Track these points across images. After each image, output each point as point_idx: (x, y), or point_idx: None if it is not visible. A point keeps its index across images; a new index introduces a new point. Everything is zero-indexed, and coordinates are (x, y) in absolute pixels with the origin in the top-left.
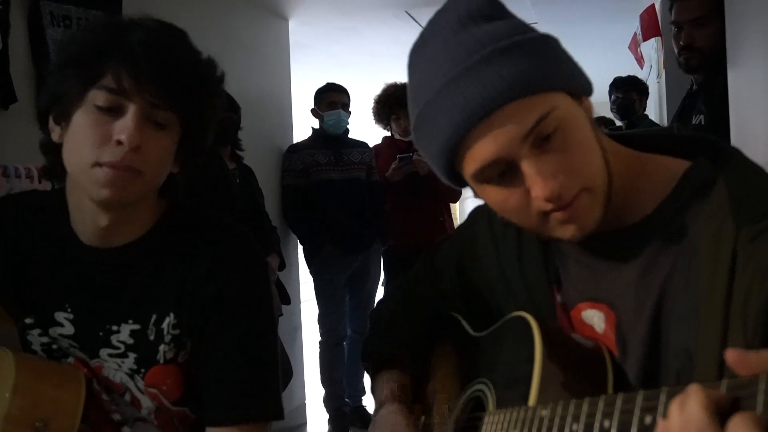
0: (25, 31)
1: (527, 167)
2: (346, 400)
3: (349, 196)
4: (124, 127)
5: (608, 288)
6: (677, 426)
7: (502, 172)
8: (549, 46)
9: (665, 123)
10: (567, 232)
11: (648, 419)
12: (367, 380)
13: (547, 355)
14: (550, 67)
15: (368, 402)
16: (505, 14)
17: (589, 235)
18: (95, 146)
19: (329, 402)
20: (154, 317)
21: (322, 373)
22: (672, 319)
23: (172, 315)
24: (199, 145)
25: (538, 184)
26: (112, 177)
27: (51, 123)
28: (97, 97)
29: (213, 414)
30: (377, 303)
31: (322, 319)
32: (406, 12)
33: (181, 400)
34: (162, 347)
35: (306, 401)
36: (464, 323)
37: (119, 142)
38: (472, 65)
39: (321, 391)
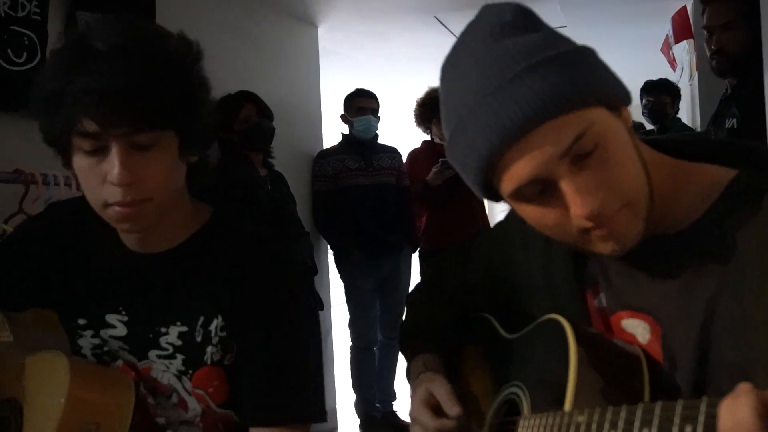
0: (62, 42)
1: (566, 186)
2: (377, 405)
3: (379, 201)
4: (111, 168)
5: (651, 299)
6: (728, 428)
7: (540, 190)
8: (584, 58)
9: (698, 125)
10: (607, 248)
11: (688, 429)
12: (398, 385)
13: (581, 359)
14: (586, 82)
15: (399, 407)
16: (538, 25)
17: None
18: (98, 189)
19: (360, 407)
20: (201, 319)
21: (353, 378)
22: (722, 333)
23: (219, 317)
24: (199, 137)
25: (577, 203)
26: (123, 214)
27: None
28: (80, 142)
29: (256, 414)
30: (411, 291)
31: (352, 324)
32: (435, 17)
33: (227, 402)
34: (209, 349)
35: (337, 406)
36: (496, 324)
37: (113, 183)
38: (505, 82)
39: (352, 396)
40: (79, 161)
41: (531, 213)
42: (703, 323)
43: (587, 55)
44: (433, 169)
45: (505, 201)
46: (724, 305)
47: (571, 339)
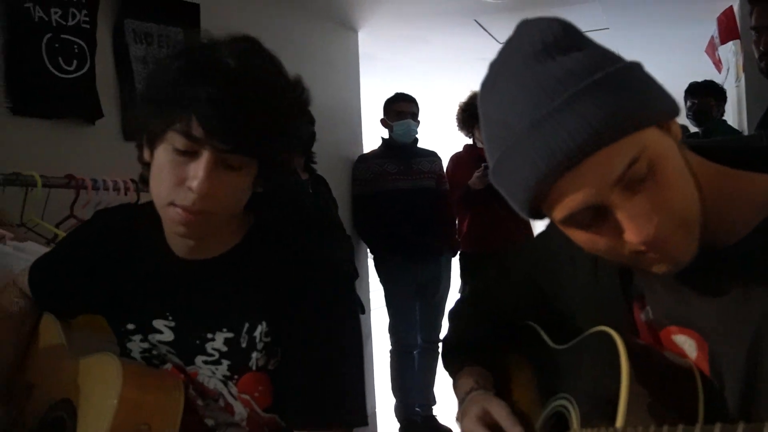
0: (110, 49)
1: (620, 213)
2: (417, 409)
3: (418, 205)
4: (195, 174)
5: (699, 315)
6: None
7: (592, 216)
8: (633, 76)
9: (745, 129)
10: (661, 268)
11: None
12: (437, 390)
13: (633, 374)
14: (637, 104)
15: (439, 412)
16: (582, 42)
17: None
18: (171, 187)
19: (400, 411)
20: (246, 325)
21: (393, 382)
22: None
23: (264, 323)
24: (278, 173)
25: (631, 230)
26: (184, 219)
27: (144, 141)
28: (175, 139)
29: (300, 418)
30: (456, 301)
31: (392, 328)
32: (475, 20)
33: (272, 407)
34: (254, 354)
35: (376, 410)
36: (543, 334)
37: (191, 189)
38: (553, 109)
39: (392, 400)
40: (164, 155)
41: (582, 237)
42: (753, 342)
43: (635, 71)
44: (476, 173)
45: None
46: None
47: (623, 352)
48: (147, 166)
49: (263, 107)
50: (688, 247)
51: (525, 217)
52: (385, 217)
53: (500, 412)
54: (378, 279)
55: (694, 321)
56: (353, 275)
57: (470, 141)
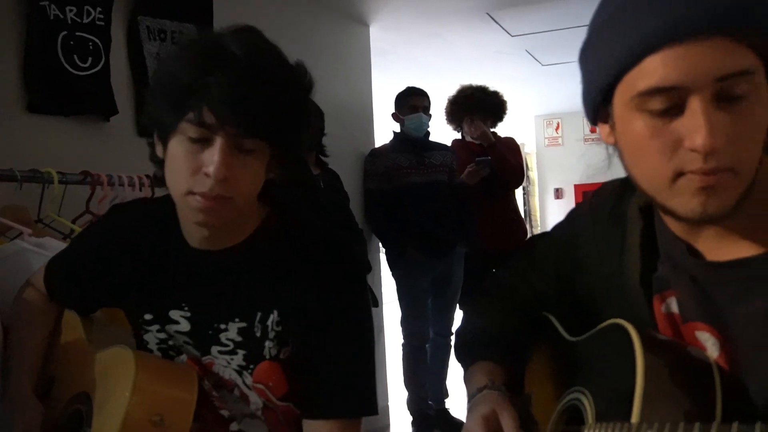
0: (124, 46)
1: (700, 111)
2: (429, 402)
3: (432, 199)
4: (211, 160)
5: (727, 318)
6: None
7: (668, 108)
8: None
9: None
10: (692, 204)
11: None
12: (450, 383)
13: (649, 368)
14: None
15: (451, 405)
16: None
17: (713, 263)
18: (188, 176)
19: (412, 404)
20: (259, 315)
21: (405, 376)
22: None
23: (275, 312)
24: (291, 158)
25: (702, 133)
26: (204, 205)
27: (155, 138)
28: (188, 129)
29: (311, 409)
30: (470, 297)
31: (405, 322)
32: (488, 14)
33: (287, 395)
34: (267, 343)
35: (389, 403)
36: (558, 326)
37: (207, 175)
38: None
39: (404, 394)
40: (179, 146)
41: (641, 126)
42: None
43: None
44: (468, 169)
45: (612, 116)
46: None
47: (638, 346)
48: (160, 164)
49: (270, 90)
50: (729, 197)
51: (588, 97)
52: (398, 211)
53: (508, 423)
54: (390, 273)
55: (720, 321)
56: (366, 267)
57: (458, 135)
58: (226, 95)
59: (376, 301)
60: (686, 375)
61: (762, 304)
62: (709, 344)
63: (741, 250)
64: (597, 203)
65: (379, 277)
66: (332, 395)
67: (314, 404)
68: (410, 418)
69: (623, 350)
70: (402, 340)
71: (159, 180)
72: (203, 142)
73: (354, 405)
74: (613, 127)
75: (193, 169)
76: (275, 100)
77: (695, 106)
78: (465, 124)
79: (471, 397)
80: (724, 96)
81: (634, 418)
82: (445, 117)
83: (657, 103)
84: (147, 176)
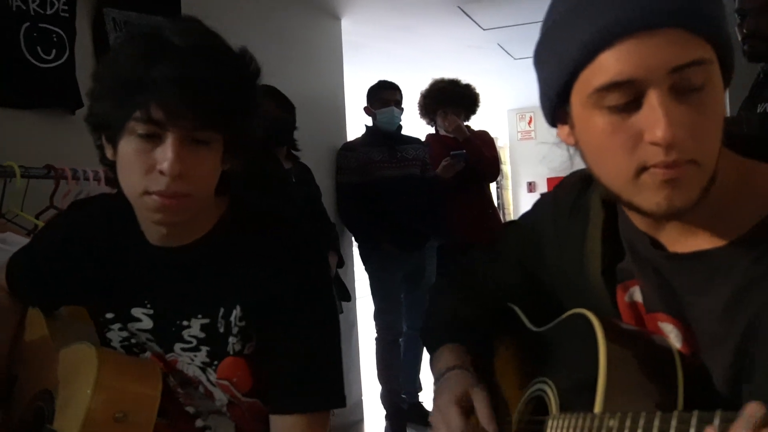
0: (89, 38)
1: (658, 104)
2: (403, 396)
3: (405, 192)
4: (164, 157)
5: (688, 309)
6: None
7: (626, 102)
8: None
9: (728, 112)
10: (656, 198)
11: None
12: (423, 376)
13: (611, 358)
14: (720, 19)
15: (425, 398)
16: None
17: (675, 255)
18: (142, 176)
19: (386, 398)
20: (222, 310)
21: (379, 370)
22: (760, 358)
23: (238, 308)
24: (245, 146)
25: (661, 126)
26: (161, 204)
27: (104, 140)
28: (136, 127)
29: (277, 403)
30: (437, 282)
31: (378, 316)
32: (459, 7)
33: (252, 391)
34: (231, 339)
35: (363, 398)
36: (522, 316)
37: (162, 172)
38: None
39: (378, 388)
40: (129, 145)
41: (602, 124)
42: (738, 345)
43: None
44: (443, 163)
45: (571, 117)
46: (766, 328)
47: (600, 336)
48: (111, 165)
49: (218, 78)
50: (693, 189)
51: (546, 98)
52: (370, 205)
53: (481, 403)
54: (363, 267)
55: (683, 313)
56: (338, 263)
57: (432, 130)
58: (173, 88)
59: (348, 296)
60: (648, 363)
61: (722, 295)
62: (672, 335)
63: (702, 242)
64: (559, 195)
65: (352, 272)
66: (298, 389)
67: (280, 399)
68: (384, 412)
69: (586, 340)
70: (375, 335)
71: (112, 182)
72: (154, 138)
73: (321, 398)
74: (572, 127)
75: (146, 168)
76: (224, 88)
77: (653, 99)
78: (438, 117)
79: (439, 376)
80: (681, 88)
81: (597, 408)
82: (418, 111)
83: (614, 99)
84: None
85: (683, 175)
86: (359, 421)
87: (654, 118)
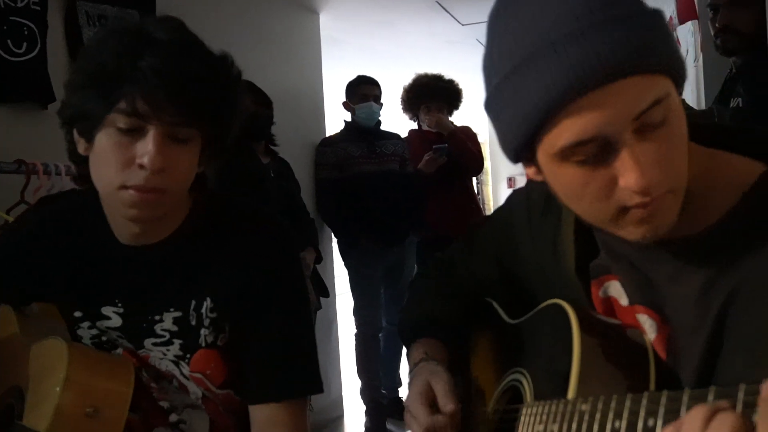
0: (62, 31)
1: (627, 152)
2: (383, 391)
3: (384, 188)
4: (146, 151)
5: (664, 299)
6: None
7: (594, 153)
8: (663, 21)
9: (703, 107)
10: (639, 232)
11: None
12: (403, 372)
13: (585, 346)
14: (668, 46)
15: (405, 394)
16: None
17: (648, 247)
18: (120, 169)
19: (366, 394)
20: (193, 303)
21: (359, 365)
22: (731, 343)
23: (209, 299)
24: (223, 147)
25: (633, 175)
26: (138, 199)
27: (76, 135)
28: (117, 119)
29: (255, 393)
30: (414, 277)
31: (357, 312)
32: (438, 3)
33: (226, 383)
34: (203, 331)
35: (343, 393)
36: (499, 309)
37: (142, 166)
38: (598, 22)
39: (357, 383)
40: (108, 138)
41: (572, 178)
42: (711, 332)
43: (663, 19)
44: (425, 157)
45: (537, 163)
46: (735, 316)
47: (575, 324)
48: (83, 161)
49: (204, 78)
50: (671, 216)
51: (507, 153)
52: (349, 201)
53: (439, 388)
54: (342, 263)
55: (656, 302)
56: (317, 259)
57: (415, 125)
58: (158, 80)
59: (327, 292)
60: (622, 354)
61: (695, 284)
62: (647, 326)
63: (674, 231)
64: (532, 194)
65: (331, 268)
66: (274, 377)
67: (258, 388)
68: (364, 407)
69: (560, 329)
70: (355, 330)
71: (81, 178)
72: (134, 133)
73: (298, 384)
74: (540, 172)
75: (125, 161)
76: (208, 84)
77: (621, 149)
78: (421, 112)
79: (410, 371)
80: (645, 128)
81: (571, 394)
82: (401, 106)
83: (582, 154)
84: None
85: (662, 206)
86: (339, 417)
87: (626, 167)
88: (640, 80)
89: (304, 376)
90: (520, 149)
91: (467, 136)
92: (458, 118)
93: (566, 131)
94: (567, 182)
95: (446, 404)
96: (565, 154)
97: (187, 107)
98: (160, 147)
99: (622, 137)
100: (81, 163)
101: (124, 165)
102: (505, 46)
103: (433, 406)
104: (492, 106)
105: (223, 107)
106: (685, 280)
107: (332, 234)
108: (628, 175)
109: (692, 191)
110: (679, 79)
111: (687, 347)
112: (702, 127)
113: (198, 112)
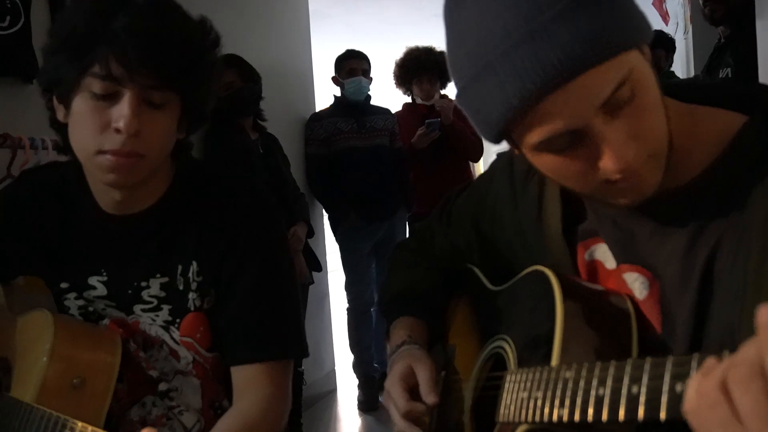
0: (46, 5)
1: (600, 137)
2: (375, 365)
3: (373, 163)
4: (121, 114)
5: (652, 255)
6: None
7: (569, 141)
8: None
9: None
10: (626, 199)
11: (679, 387)
12: None
13: (568, 312)
14: (627, 22)
15: None
16: None
17: (631, 204)
18: (96, 134)
19: (358, 368)
20: (180, 268)
21: (351, 340)
22: (718, 292)
23: (194, 263)
24: (201, 113)
25: (611, 157)
26: (115, 163)
27: (55, 102)
28: (92, 84)
29: (235, 354)
30: (394, 249)
31: (348, 287)
32: None
33: (214, 346)
34: (191, 295)
35: (336, 367)
36: (481, 276)
37: (118, 130)
38: (545, 21)
39: (350, 358)
40: (83, 103)
41: (552, 164)
42: (700, 283)
43: None
44: (418, 132)
45: (519, 148)
46: (721, 263)
47: (557, 291)
48: (63, 128)
49: (179, 39)
50: (656, 177)
51: (489, 141)
52: (340, 176)
53: (422, 376)
54: (334, 239)
55: (645, 259)
56: (308, 233)
57: (409, 99)
58: (132, 40)
59: (319, 266)
60: (605, 319)
61: (680, 239)
62: (637, 284)
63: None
64: (516, 156)
65: (323, 243)
66: (256, 338)
67: (239, 349)
68: (356, 381)
69: (543, 295)
70: (347, 305)
71: (63, 148)
72: (110, 97)
73: (279, 346)
74: (520, 152)
75: (101, 125)
76: (183, 45)
77: (594, 135)
78: (414, 86)
79: (391, 354)
80: (614, 107)
81: (554, 361)
82: (393, 81)
83: (556, 145)
84: None
85: (645, 172)
86: (332, 391)
87: (601, 152)
88: (598, 70)
89: (285, 339)
90: (496, 141)
91: (467, 123)
92: (451, 91)
93: (534, 132)
94: (548, 167)
95: (429, 395)
96: (539, 148)
97: (162, 69)
98: (135, 110)
99: (592, 125)
100: (62, 130)
101: (101, 129)
102: (463, 50)
103: (412, 392)
104: (462, 104)
105: (199, 71)
106: (671, 233)
107: (323, 209)
108: (606, 157)
109: (675, 146)
110: (645, 39)
111: (678, 300)
112: (682, 85)
113: (173, 75)
